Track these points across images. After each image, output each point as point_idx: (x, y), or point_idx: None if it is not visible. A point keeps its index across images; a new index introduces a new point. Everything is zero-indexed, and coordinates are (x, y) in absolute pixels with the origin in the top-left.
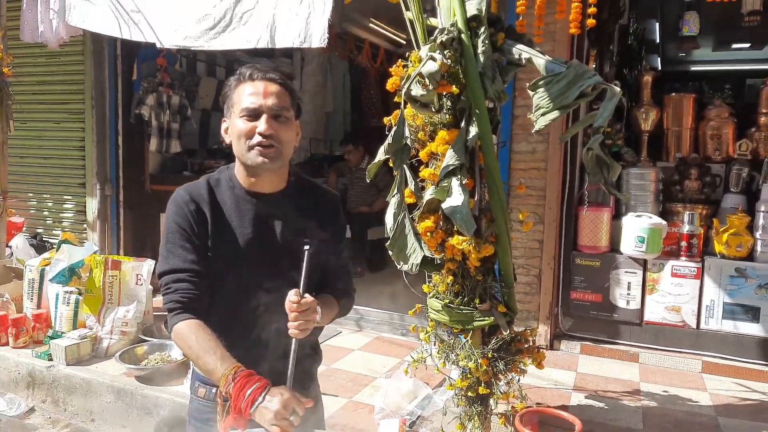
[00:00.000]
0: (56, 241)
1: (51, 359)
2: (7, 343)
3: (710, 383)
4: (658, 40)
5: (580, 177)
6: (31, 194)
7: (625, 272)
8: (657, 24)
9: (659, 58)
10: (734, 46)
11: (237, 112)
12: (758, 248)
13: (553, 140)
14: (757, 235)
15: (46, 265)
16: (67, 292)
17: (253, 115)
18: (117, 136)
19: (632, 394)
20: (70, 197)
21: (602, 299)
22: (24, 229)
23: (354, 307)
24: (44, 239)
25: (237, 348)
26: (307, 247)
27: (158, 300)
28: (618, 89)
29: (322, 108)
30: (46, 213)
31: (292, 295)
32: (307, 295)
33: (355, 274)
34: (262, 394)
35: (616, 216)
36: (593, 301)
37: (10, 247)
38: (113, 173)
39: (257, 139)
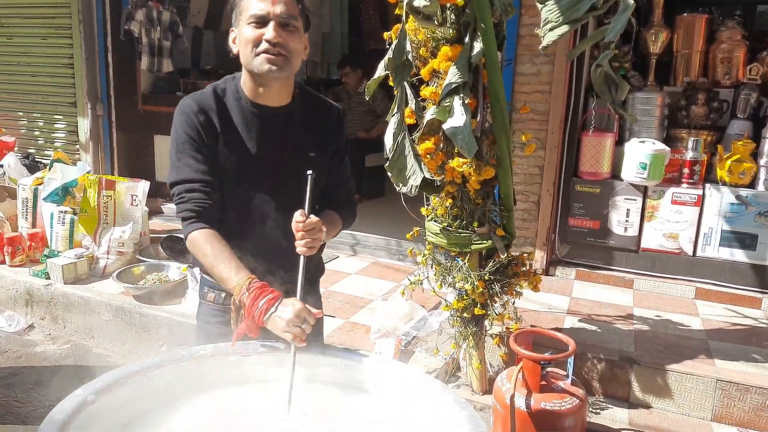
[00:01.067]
0: (48, 161)
1: (48, 278)
2: (3, 262)
3: (703, 309)
4: None
5: (584, 102)
6: (21, 113)
7: (625, 199)
8: None
9: None
10: None
11: (245, 18)
12: (761, 175)
13: (558, 62)
14: (762, 162)
15: (40, 184)
16: (61, 211)
17: (261, 21)
18: (107, 53)
19: (625, 318)
20: (61, 117)
21: (600, 226)
22: (16, 149)
23: (351, 232)
24: (36, 159)
25: (247, 259)
26: (310, 172)
27: (154, 222)
28: (631, 1)
29: (318, 29)
30: (37, 133)
31: (298, 216)
32: (312, 215)
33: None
34: (275, 305)
35: (619, 142)
36: (591, 228)
37: (2, 166)
38: (104, 92)
39: (264, 46)
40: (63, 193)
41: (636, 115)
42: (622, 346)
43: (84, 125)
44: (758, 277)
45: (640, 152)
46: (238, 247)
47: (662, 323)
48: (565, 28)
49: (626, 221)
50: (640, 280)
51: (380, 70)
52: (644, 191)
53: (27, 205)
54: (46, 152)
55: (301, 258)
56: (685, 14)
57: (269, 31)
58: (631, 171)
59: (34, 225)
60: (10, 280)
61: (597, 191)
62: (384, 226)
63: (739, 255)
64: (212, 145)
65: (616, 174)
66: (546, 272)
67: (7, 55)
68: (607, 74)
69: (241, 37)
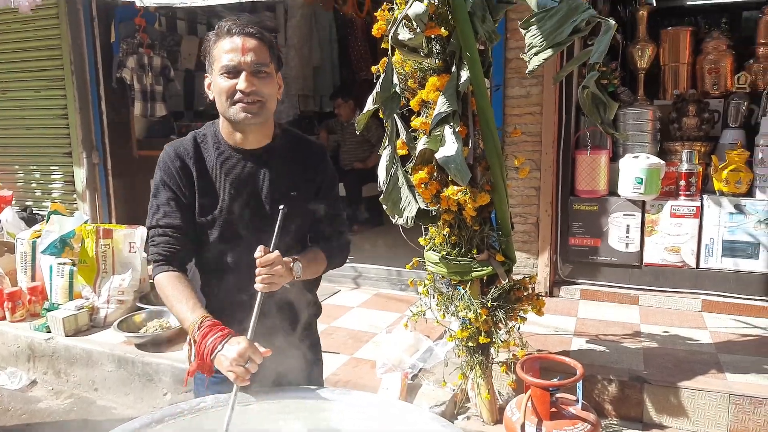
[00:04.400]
0: (46, 212)
1: (49, 331)
2: (3, 318)
3: (710, 321)
4: None
5: (576, 120)
6: (17, 166)
7: (624, 215)
8: None
9: None
10: None
11: (217, 69)
12: (757, 183)
13: (547, 83)
14: (757, 170)
15: (37, 237)
16: (60, 263)
17: (233, 72)
18: (100, 101)
19: (633, 336)
20: (57, 167)
21: (601, 243)
22: (13, 202)
23: (351, 264)
24: (34, 211)
25: (224, 299)
26: (281, 206)
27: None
28: (613, 22)
29: (309, 62)
30: (34, 185)
31: (257, 251)
32: (275, 252)
33: (352, 231)
34: (222, 343)
35: (614, 158)
36: (592, 246)
37: (0, 221)
38: (99, 140)
39: (238, 95)
40: (61, 245)
41: (628, 130)
42: (632, 365)
43: (80, 174)
44: (764, 285)
45: (635, 167)
46: (214, 284)
47: (670, 339)
48: (549, 52)
49: (627, 237)
50: (645, 295)
51: (369, 104)
52: (642, 206)
53: (26, 259)
54: (43, 204)
55: (259, 294)
56: (669, 28)
57: (241, 82)
58: (627, 187)
59: (33, 278)
60: (12, 336)
61: (595, 209)
62: (384, 256)
63: (742, 264)
64: (190, 190)
65: (613, 191)
66: (550, 294)
67: (1, 110)
68: (595, 95)
69: (215, 87)
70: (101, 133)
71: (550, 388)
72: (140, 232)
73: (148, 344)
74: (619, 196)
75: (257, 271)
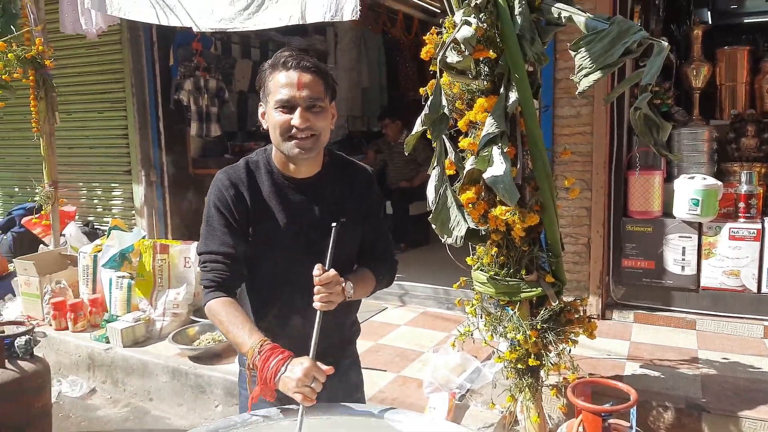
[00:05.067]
0: (107, 227)
1: (108, 342)
2: (66, 328)
3: None
4: None
5: (628, 140)
6: (80, 183)
7: (679, 237)
8: None
9: (709, 12)
10: None
11: (272, 102)
12: None
13: (598, 103)
14: None
15: (98, 251)
16: (119, 276)
17: (288, 107)
18: (158, 122)
19: (690, 362)
20: (117, 185)
21: (655, 266)
22: (76, 217)
23: (398, 282)
24: (95, 226)
25: (276, 324)
26: (334, 224)
27: None
28: (666, 44)
29: (357, 84)
30: (95, 201)
31: (315, 270)
32: (332, 270)
33: (399, 249)
34: (285, 365)
35: (668, 179)
36: (646, 268)
37: (64, 235)
38: (156, 159)
39: (293, 131)
40: (120, 259)
41: (683, 151)
42: (689, 392)
43: (139, 192)
44: None
45: (691, 188)
46: (267, 310)
47: (730, 366)
48: (599, 74)
49: (683, 260)
50: (703, 320)
51: (418, 126)
52: (699, 228)
53: (87, 272)
54: (104, 219)
55: (318, 312)
56: (726, 47)
57: (296, 118)
58: (683, 208)
59: (94, 291)
60: (73, 346)
61: (649, 230)
62: (431, 275)
63: None
64: (243, 217)
65: (667, 212)
66: (602, 316)
67: (67, 130)
68: (647, 116)
69: (269, 119)
70: (159, 152)
71: (603, 414)
72: (195, 248)
73: (201, 357)
74: (674, 217)
75: (316, 289)
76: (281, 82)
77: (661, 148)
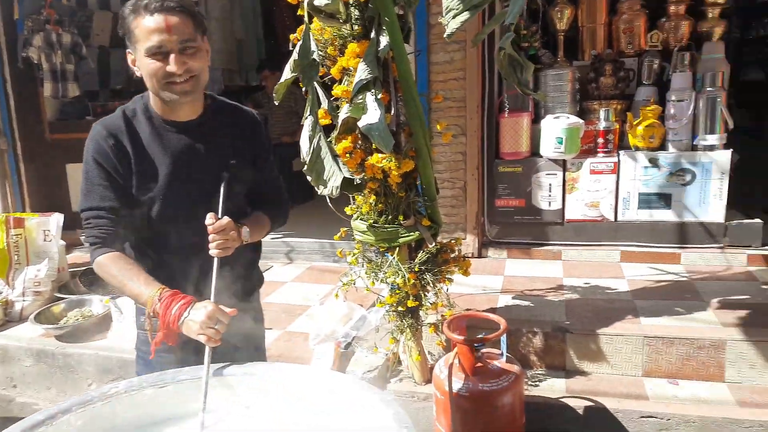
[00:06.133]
0: None
1: None
2: None
3: (628, 271)
4: None
5: (499, 84)
6: None
7: (546, 174)
8: None
9: None
10: None
11: (142, 50)
12: (669, 137)
13: (470, 48)
14: (668, 124)
15: None
16: None
17: (161, 53)
18: (5, 83)
19: (556, 290)
20: None
21: (526, 203)
22: None
23: (283, 240)
24: None
25: (170, 271)
26: (224, 173)
27: (75, 255)
28: None
29: (231, 35)
30: None
31: (208, 218)
32: (225, 218)
33: None
34: (188, 309)
35: (536, 120)
36: (517, 207)
37: None
38: (6, 125)
39: (170, 78)
40: None
41: (549, 92)
42: (555, 317)
43: None
44: (676, 234)
45: (556, 128)
46: (161, 259)
47: (591, 290)
48: (466, 15)
49: (549, 196)
50: (568, 250)
51: (287, 73)
52: (564, 165)
53: None
54: None
55: (215, 259)
56: None
57: (172, 64)
58: (549, 147)
59: None
60: None
61: (519, 170)
62: (317, 230)
63: (656, 215)
64: (126, 168)
65: (535, 151)
66: (479, 255)
67: None
68: (511, 56)
69: (143, 67)
70: (8, 117)
71: (475, 344)
72: (55, 219)
73: (69, 335)
74: (541, 156)
75: (210, 237)
76: (148, 28)
77: (524, 87)
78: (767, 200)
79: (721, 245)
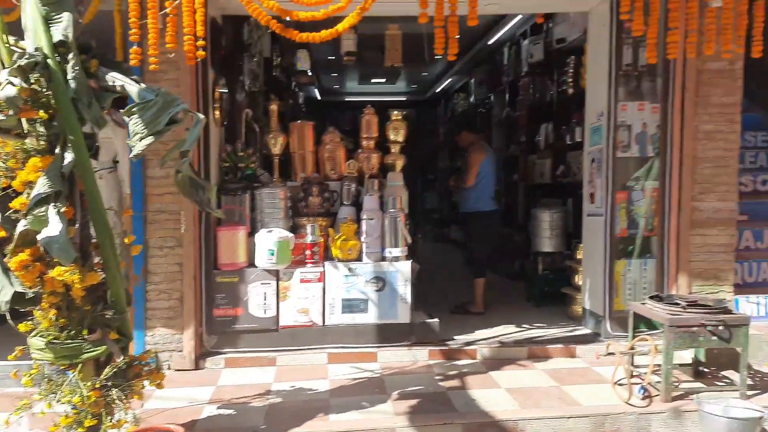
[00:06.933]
0: None
1: None
2: None
3: (332, 371)
4: (310, 73)
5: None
6: None
7: (261, 284)
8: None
9: (317, 90)
10: (373, 80)
11: None
12: (364, 249)
13: None
14: (362, 239)
15: None
16: None
17: None
18: None
19: (262, 396)
20: None
21: (242, 312)
22: None
23: None
24: None
25: None
26: None
27: None
28: (202, 116)
29: None
30: None
31: None
32: None
33: None
34: None
35: (252, 233)
36: (235, 315)
37: None
38: None
39: None
40: None
41: (264, 209)
42: (254, 422)
43: None
44: (374, 334)
45: (268, 240)
46: None
47: (295, 392)
48: (150, 139)
49: (265, 304)
50: (282, 355)
51: None
52: (277, 275)
53: None
54: None
55: None
56: (297, 122)
57: None
58: (263, 258)
59: None
60: None
61: (236, 280)
62: (8, 350)
63: (358, 318)
64: None
65: (252, 262)
66: (196, 366)
67: None
68: (192, 178)
69: None
70: None
71: None
72: None
73: None
74: (256, 266)
75: None
76: None
77: (205, 206)
78: (446, 300)
79: (409, 343)
